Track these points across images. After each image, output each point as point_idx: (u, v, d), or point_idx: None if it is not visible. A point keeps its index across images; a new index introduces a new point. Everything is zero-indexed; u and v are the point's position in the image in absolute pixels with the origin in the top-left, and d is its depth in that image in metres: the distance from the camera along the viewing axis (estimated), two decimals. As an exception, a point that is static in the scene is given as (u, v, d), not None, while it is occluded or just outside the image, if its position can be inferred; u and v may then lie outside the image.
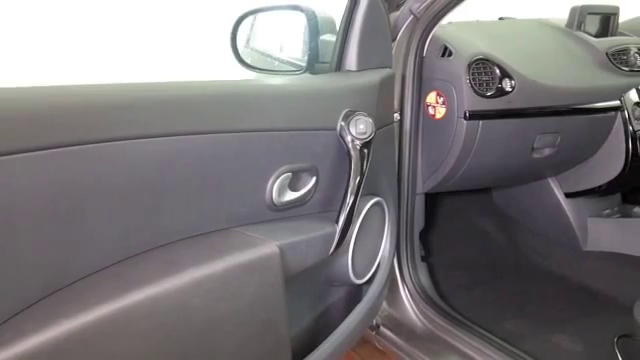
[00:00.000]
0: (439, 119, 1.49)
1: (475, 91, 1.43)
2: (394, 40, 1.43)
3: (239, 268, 0.85)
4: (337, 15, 1.20)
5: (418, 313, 1.54)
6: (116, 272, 0.75)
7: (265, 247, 0.89)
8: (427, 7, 1.38)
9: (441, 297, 1.60)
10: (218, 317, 0.84)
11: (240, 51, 1.38)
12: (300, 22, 1.29)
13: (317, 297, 1.23)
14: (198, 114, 0.83)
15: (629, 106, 1.67)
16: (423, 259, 1.63)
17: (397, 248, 1.51)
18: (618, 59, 1.71)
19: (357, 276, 1.18)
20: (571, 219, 1.89)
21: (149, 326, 0.75)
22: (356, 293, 1.30)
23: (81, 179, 0.70)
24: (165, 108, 0.79)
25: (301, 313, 1.17)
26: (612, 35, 1.80)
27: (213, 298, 0.82)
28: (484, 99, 1.44)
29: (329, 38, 1.25)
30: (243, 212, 0.93)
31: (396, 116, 1.43)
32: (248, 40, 1.49)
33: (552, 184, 1.89)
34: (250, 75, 1.40)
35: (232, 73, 1.40)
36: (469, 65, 1.43)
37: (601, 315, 1.63)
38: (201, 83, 0.88)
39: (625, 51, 1.73)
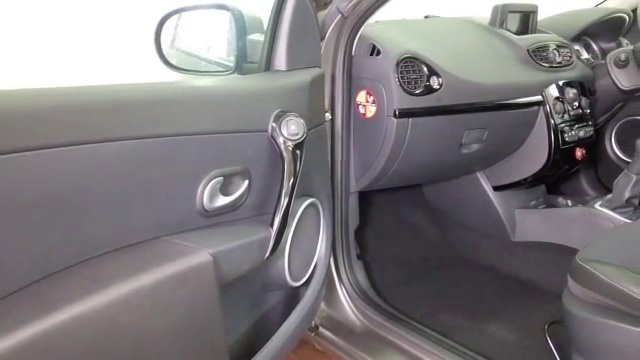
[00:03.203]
0: (370, 118, 1.49)
1: (404, 89, 1.44)
2: (322, 39, 1.42)
3: (170, 279, 0.81)
4: (264, 14, 1.18)
5: (356, 311, 1.54)
6: (34, 292, 0.70)
7: (197, 256, 0.86)
8: (354, 6, 1.38)
9: (378, 294, 1.61)
10: (150, 333, 0.80)
11: (165, 52, 1.33)
12: (227, 21, 1.27)
13: (254, 302, 1.21)
14: (121, 119, 0.78)
15: (550, 101, 1.73)
16: (359, 257, 1.64)
17: (333, 248, 1.50)
18: (538, 56, 1.77)
19: (294, 279, 1.16)
20: (499, 211, 1.94)
21: (74, 349, 0.70)
22: (294, 296, 1.28)
23: None
24: (84, 114, 0.74)
25: (238, 320, 1.14)
26: (532, 32, 1.87)
27: (143, 313, 0.78)
28: (413, 97, 1.45)
29: (257, 37, 1.23)
30: (173, 220, 0.89)
31: (327, 116, 1.42)
32: (173, 40, 1.44)
33: (480, 178, 1.94)
34: (176, 77, 1.35)
35: (157, 75, 1.35)
36: (397, 64, 1.44)
37: (531, 303, 1.69)
38: (124, 86, 0.84)
39: (545, 48, 1.80)
